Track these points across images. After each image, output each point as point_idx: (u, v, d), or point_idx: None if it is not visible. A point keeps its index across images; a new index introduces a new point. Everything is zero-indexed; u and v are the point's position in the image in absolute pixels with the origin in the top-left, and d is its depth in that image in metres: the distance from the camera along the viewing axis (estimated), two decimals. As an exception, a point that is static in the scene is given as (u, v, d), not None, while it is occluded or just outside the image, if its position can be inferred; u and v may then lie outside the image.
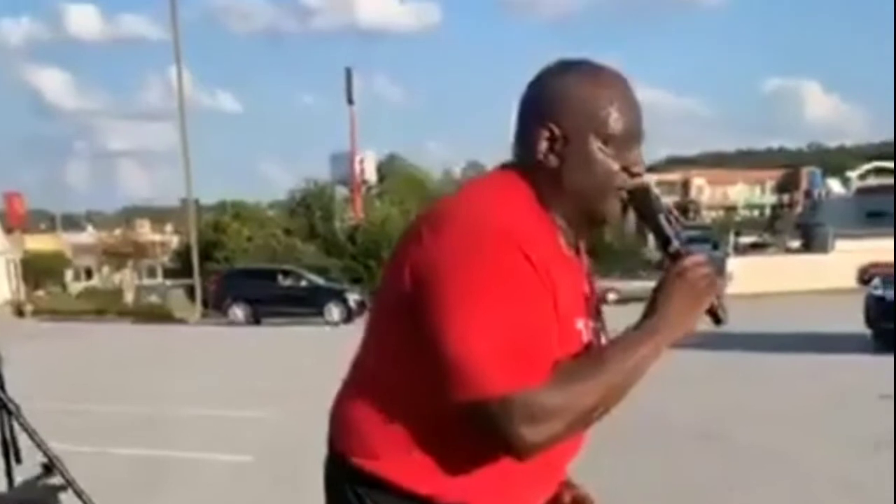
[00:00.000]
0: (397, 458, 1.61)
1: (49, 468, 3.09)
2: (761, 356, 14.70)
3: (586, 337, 1.64)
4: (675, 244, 1.62)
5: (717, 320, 1.62)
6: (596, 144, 1.60)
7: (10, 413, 3.28)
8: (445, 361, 1.48)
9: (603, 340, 1.71)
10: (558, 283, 1.54)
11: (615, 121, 1.60)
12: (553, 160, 1.60)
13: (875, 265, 32.09)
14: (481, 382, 1.47)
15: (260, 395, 11.99)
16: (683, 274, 1.59)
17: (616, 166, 1.61)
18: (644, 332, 1.57)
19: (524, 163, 1.63)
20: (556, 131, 1.60)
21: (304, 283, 29.73)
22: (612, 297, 31.87)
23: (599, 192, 1.62)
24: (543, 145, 1.60)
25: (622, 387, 1.56)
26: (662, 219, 1.63)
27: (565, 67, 1.65)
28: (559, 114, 1.60)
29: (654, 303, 1.59)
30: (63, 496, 3.44)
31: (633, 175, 1.63)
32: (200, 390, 13.04)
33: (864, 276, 32.80)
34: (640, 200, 1.64)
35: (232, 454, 8.20)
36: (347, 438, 1.69)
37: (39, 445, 3.07)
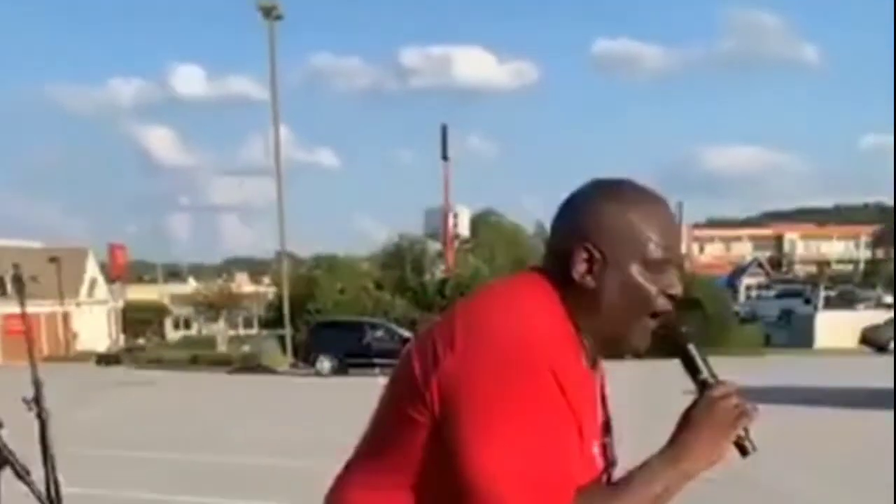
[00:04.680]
0: None
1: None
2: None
3: (600, 462, 1.62)
4: (705, 373, 1.58)
5: (744, 452, 1.56)
6: (636, 269, 1.57)
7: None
8: (466, 482, 1.43)
9: (613, 458, 1.68)
10: (583, 408, 1.52)
11: (655, 246, 1.57)
12: (590, 281, 1.57)
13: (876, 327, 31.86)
14: None
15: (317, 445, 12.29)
16: (712, 405, 1.53)
17: (654, 289, 1.58)
18: (667, 460, 1.52)
19: (558, 276, 1.59)
20: (596, 254, 1.56)
21: (390, 336, 29.89)
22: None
23: (635, 316, 1.59)
24: (582, 266, 1.57)
25: None
26: (692, 347, 1.60)
27: (607, 189, 1.62)
28: (599, 237, 1.56)
29: (679, 431, 1.54)
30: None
31: (670, 297, 1.60)
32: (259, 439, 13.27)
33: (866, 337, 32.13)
34: (672, 326, 1.61)
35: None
36: None
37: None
